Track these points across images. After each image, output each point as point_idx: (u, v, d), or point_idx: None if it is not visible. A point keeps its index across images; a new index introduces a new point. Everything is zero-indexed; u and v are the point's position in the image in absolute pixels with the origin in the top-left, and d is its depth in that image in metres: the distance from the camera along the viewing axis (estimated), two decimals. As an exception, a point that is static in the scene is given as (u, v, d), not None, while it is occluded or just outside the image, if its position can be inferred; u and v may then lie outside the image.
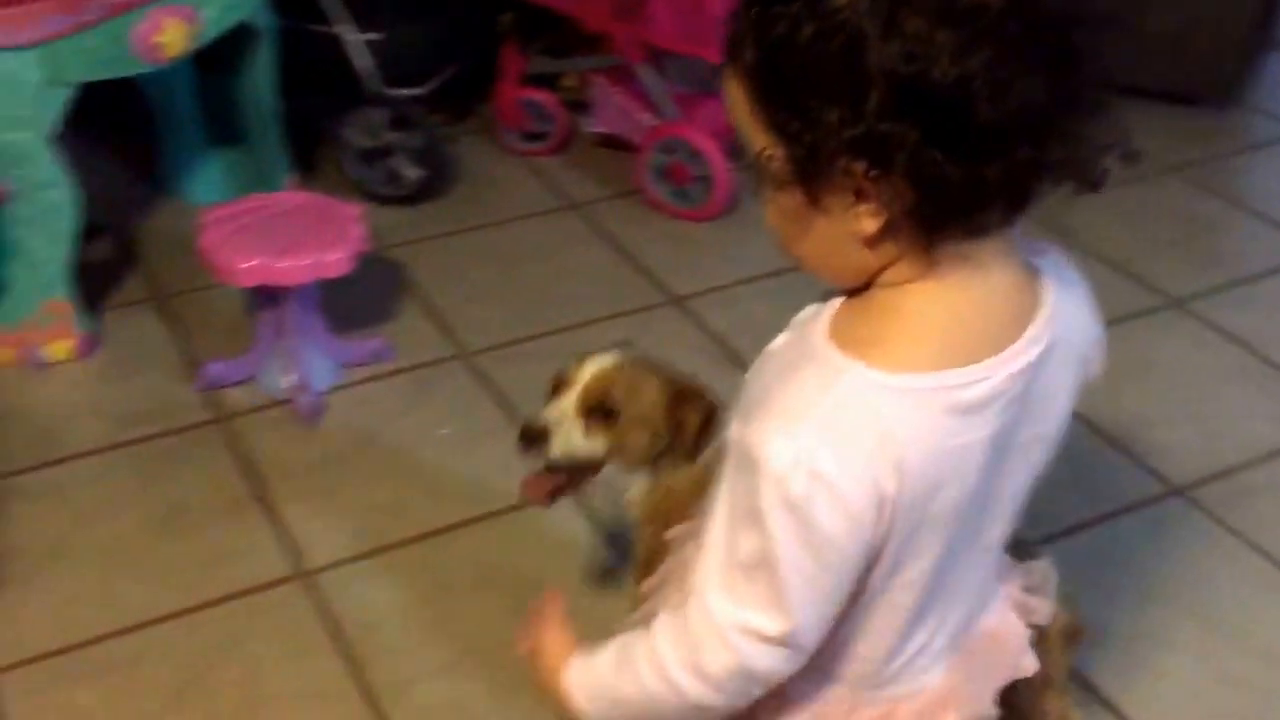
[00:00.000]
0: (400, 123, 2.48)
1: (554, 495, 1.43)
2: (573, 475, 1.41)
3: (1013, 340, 0.84)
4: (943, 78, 0.73)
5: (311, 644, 1.66)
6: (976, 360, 0.82)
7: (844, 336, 0.83)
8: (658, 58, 2.50)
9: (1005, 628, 1.02)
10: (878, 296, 0.84)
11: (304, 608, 1.71)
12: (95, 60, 1.97)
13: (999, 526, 0.94)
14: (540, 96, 2.68)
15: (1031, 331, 0.85)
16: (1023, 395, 0.85)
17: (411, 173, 2.51)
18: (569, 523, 1.82)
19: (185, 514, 1.84)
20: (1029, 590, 1.09)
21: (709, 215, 2.52)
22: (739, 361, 2.15)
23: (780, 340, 0.90)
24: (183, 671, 1.61)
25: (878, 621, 0.91)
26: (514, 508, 1.84)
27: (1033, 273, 0.88)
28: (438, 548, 1.81)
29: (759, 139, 0.80)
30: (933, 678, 0.97)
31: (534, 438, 1.38)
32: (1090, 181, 0.81)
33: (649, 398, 1.39)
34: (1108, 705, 1.59)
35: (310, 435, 1.99)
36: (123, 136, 2.58)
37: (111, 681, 1.59)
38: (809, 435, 0.80)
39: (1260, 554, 1.81)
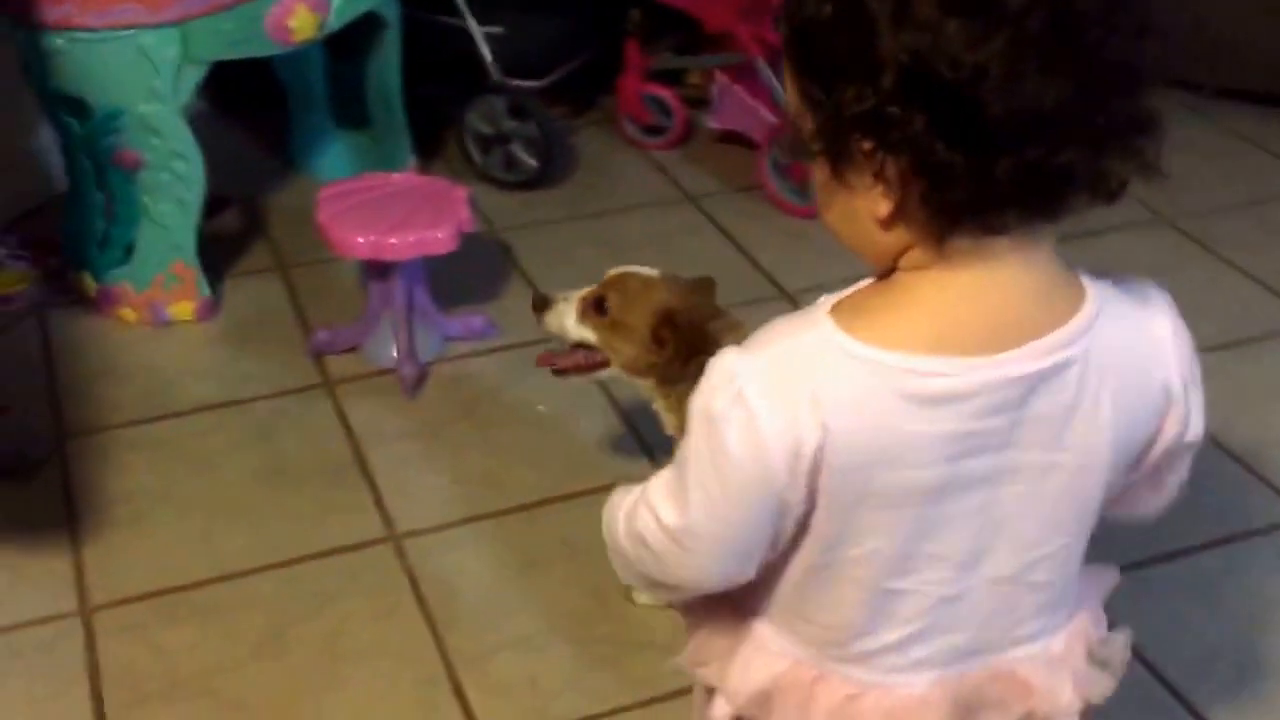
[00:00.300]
0: (518, 112, 2.53)
1: (562, 370, 1.66)
2: (583, 361, 1.63)
3: (1011, 347, 0.82)
4: (950, 68, 0.72)
5: (397, 606, 1.70)
6: (961, 355, 0.81)
7: (843, 303, 0.85)
8: (778, 55, 2.50)
9: (1035, 679, 0.96)
10: (891, 278, 0.84)
11: (393, 570, 1.75)
12: (229, 40, 2.06)
13: (1013, 557, 0.90)
14: (662, 91, 2.71)
15: (1040, 345, 0.82)
16: (1017, 408, 0.83)
17: (528, 159, 2.56)
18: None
19: (288, 472, 1.90)
20: (1095, 660, 1.00)
21: (822, 213, 2.50)
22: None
23: None
24: (272, 621, 1.67)
25: (836, 593, 0.91)
26: (606, 487, 1.85)
27: (1075, 288, 0.85)
28: (528, 521, 1.84)
29: (795, 107, 0.82)
30: (910, 683, 0.94)
31: (537, 304, 1.65)
32: (1108, 192, 0.79)
33: (640, 310, 1.55)
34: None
35: (411, 404, 2.04)
36: (258, 115, 2.69)
37: (201, 625, 1.65)
38: (752, 364, 0.84)
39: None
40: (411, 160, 2.50)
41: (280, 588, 1.72)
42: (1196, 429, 0.92)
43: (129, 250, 2.17)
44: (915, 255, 0.82)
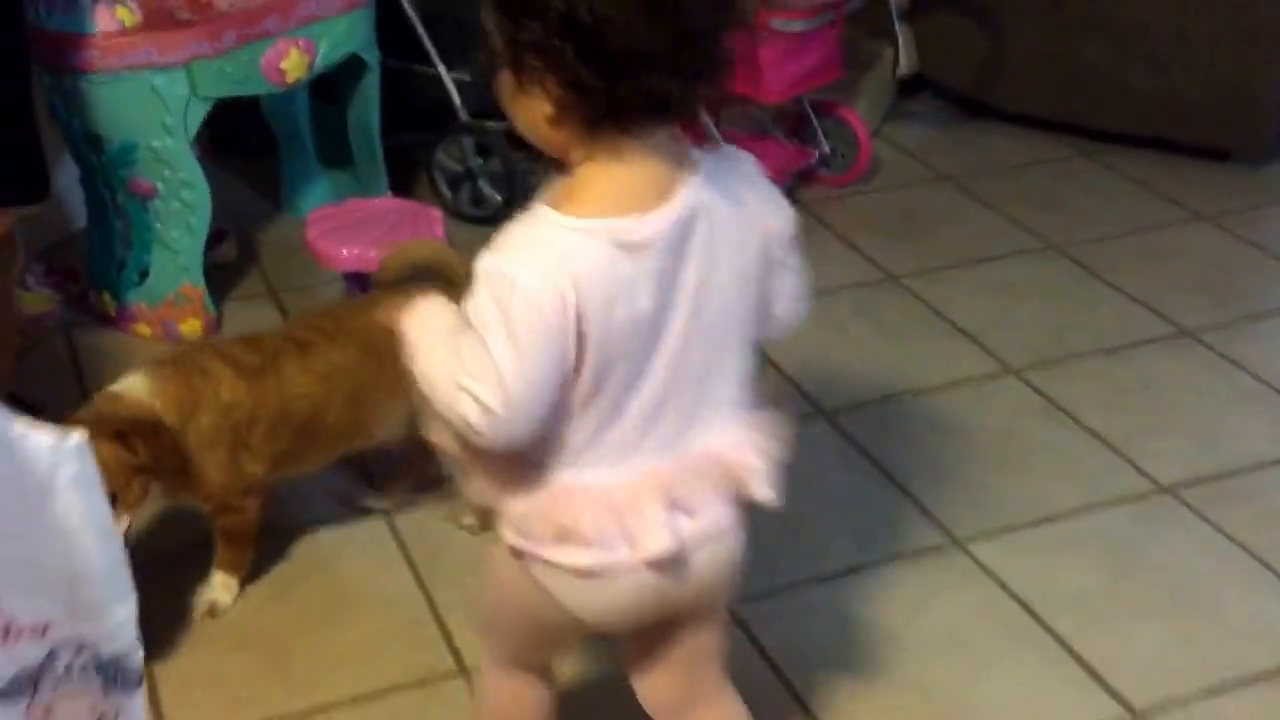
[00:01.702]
0: (484, 150, 2.82)
1: None
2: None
3: (664, 203, 1.13)
4: (587, 14, 1.05)
5: (388, 564, 1.96)
6: (640, 213, 1.12)
7: (548, 198, 1.15)
8: (712, 100, 2.80)
9: (731, 454, 1.25)
10: (573, 172, 1.16)
11: (383, 538, 2.01)
12: (231, 80, 2.33)
13: (694, 362, 1.19)
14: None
15: (680, 197, 1.14)
16: (680, 245, 1.14)
17: (494, 194, 2.84)
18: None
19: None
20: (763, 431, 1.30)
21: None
22: (773, 366, 2.43)
23: None
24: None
25: (591, 415, 1.17)
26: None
27: (688, 157, 1.17)
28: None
29: (491, 31, 1.14)
30: (645, 467, 1.20)
31: None
32: (694, 110, 1.13)
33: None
34: (1080, 661, 1.82)
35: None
36: (252, 160, 2.96)
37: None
38: (509, 255, 1.12)
39: (1238, 546, 2.02)
40: (388, 195, 2.77)
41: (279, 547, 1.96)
42: (789, 215, 1.24)
43: (144, 274, 2.43)
44: (580, 152, 1.13)
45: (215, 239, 2.63)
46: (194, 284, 2.43)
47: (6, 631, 0.63)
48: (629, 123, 1.10)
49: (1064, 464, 2.20)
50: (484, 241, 2.65)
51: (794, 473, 2.11)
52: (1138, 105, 3.17)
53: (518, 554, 1.24)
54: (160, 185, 2.33)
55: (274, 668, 1.78)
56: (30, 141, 2.23)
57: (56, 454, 0.60)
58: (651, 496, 1.19)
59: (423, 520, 2.04)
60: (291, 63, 2.39)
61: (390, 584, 1.93)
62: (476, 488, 1.26)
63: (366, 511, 2.04)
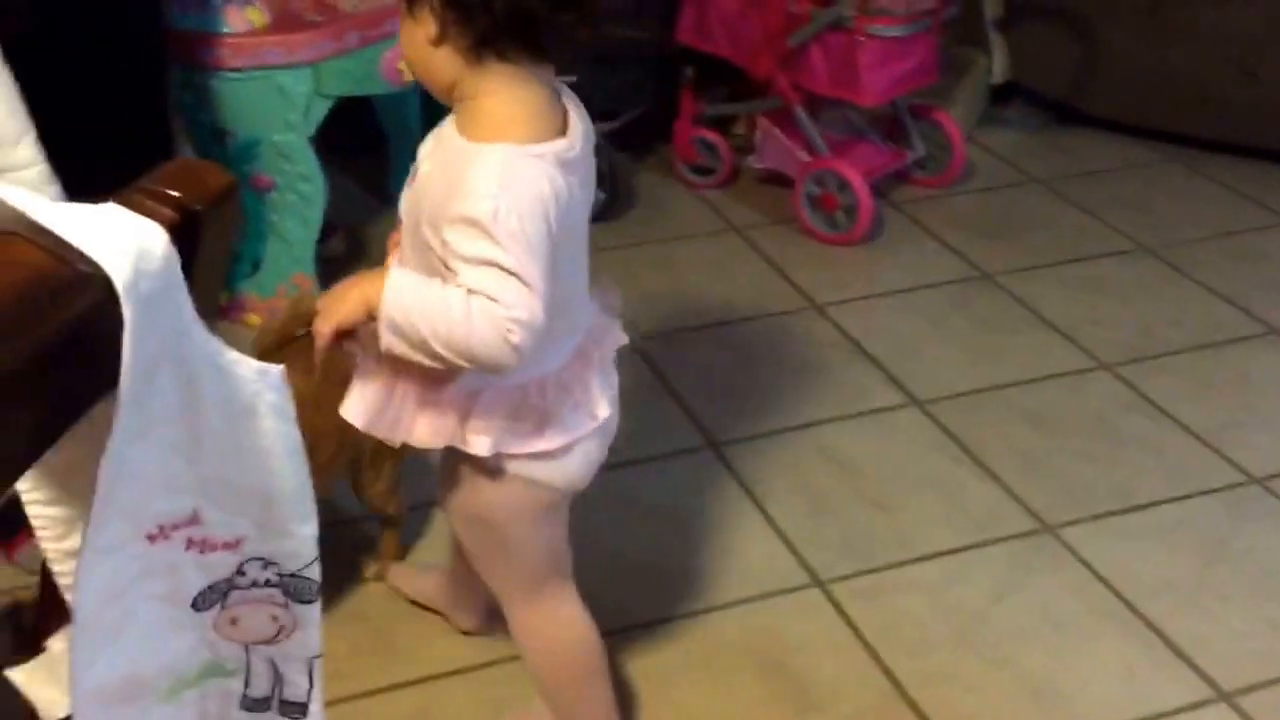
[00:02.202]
0: (590, 150, 2.91)
1: None
2: None
3: (569, 126, 1.31)
4: None
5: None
6: (559, 135, 1.29)
7: (478, 135, 1.27)
8: (814, 102, 2.88)
9: (604, 321, 1.48)
10: (469, 109, 1.29)
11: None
12: (352, 79, 2.44)
13: (585, 255, 1.42)
14: (712, 136, 3.09)
15: (573, 122, 1.32)
16: (585, 160, 1.33)
17: (597, 193, 2.93)
18: (709, 474, 2.19)
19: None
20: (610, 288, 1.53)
21: (853, 240, 2.87)
22: (869, 358, 2.49)
23: (426, 169, 1.34)
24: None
25: (561, 313, 1.31)
26: (658, 458, 2.22)
27: (557, 90, 1.33)
28: (595, 483, 2.17)
29: None
30: (570, 348, 1.40)
31: None
32: (566, 37, 1.26)
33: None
34: (1169, 644, 1.86)
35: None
36: (362, 157, 3.08)
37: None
38: (500, 195, 1.23)
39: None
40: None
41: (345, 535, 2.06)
42: None
43: (256, 265, 2.55)
44: (464, 86, 1.27)
45: (325, 233, 2.75)
46: (306, 275, 2.54)
47: (204, 544, 0.70)
48: (505, 48, 1.23)
49: (1154, 455, 2.24)
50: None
51: (888, 457, 2.21)
52: (1227, 112, 3.18)
53: (497, 469, 1.40)
54: (279, 179, 2.45)
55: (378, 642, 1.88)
56: (162, 136, 2.36)
57: (261, 381, 0.68)
58: (588, 370, 1.41)
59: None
60: (406, 70, 2.50)
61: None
62: (443, 422, 1.37)
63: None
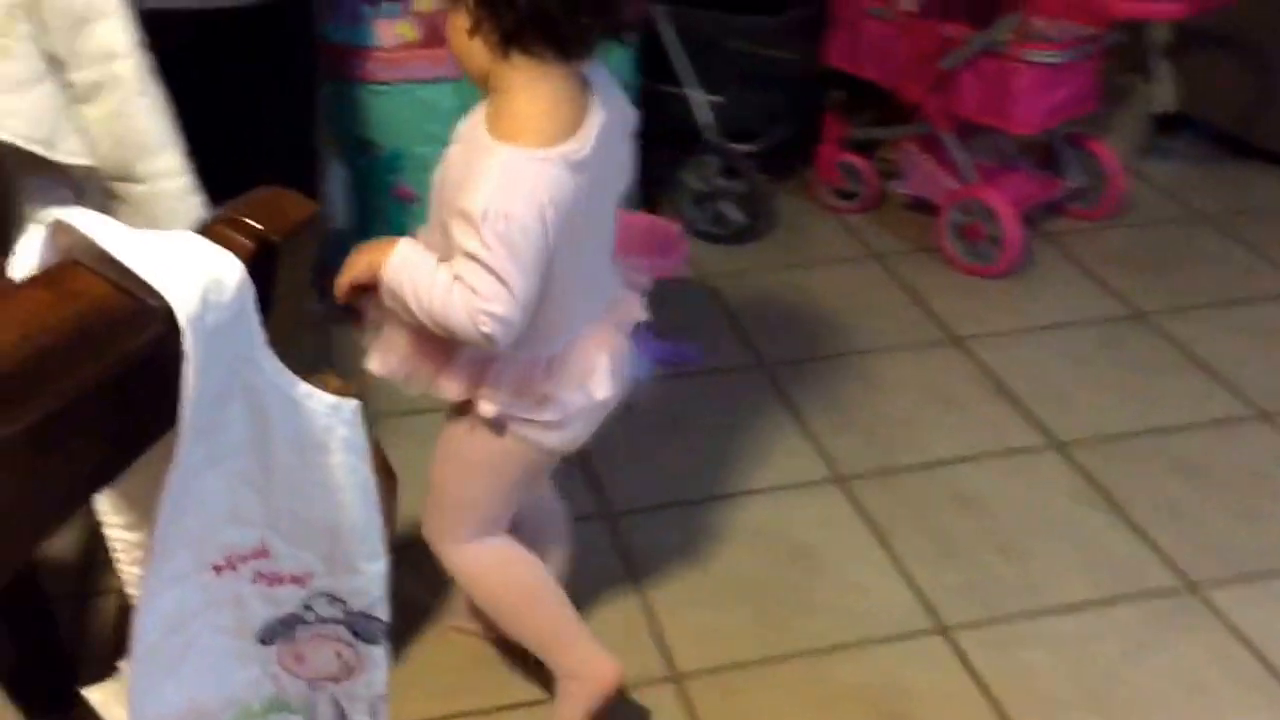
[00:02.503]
0: (730, 172, 2.88)
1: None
2: None
3: (584, 123, 1.39)
4: None
5: (607, 568, 2.01)
6: (569, 136, 1.37)
7: (500, 133, 1.37)
8: (963, 129, 2.80)
9: (626, 298, 1.59)
10: (496, 102, 1.39)
11: (604, 541, 2.07)
12: (493, 95, 2.46)
13: (607, 239, 1.54)
14: (856, 160, 3.03)
15: (593, 118, 1.39)
16: (602, 153, 1.40)
17: (735, 216, 2.91)
18: (832, 508, 2.13)
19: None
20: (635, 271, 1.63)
21: (998, 272, 2.78)
22: (1009, 396, 2.40)
23: (454, 150, 1.45)
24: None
25: (555, 302, 1.43)
26: (781, 488, 2.18)
27: (587, 83, 1.41)
28: (715, 508, 2.14)
29: None
30: (583, 334, 1.51)
31: None
32: (586, 41, 1.35)
33: None
34: None
35: (624, 412, 2.36)
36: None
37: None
38: (497, 196, 1.33)
39: None
40: (636, 209, 2.86)
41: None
42: (634, 117, 1.53)
43: (394, 273, 2.58)
44: (495, 77, 1.37)
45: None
46: (448, 286, 2.56)
47: (271, 577, 0.70)
48: (529, 44, 1.33)
49: (1315, 515, 2.11)
50: (722, 259, 2.79)
51: (1022, 501, 2.13)
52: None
53: (500, 425, 1.52)
54: (420, 191, 2.46)
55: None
56: (310, 148, 2.40)
57: (334, 416, 0.67)
58: (600, 354, 1.51)
59: (640, 525, 2.11)
60: (551, 80, 2.50)
61: (604, 581, 2.00)
62: (456, 384, 1.50)
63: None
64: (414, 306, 1.39)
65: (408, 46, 2.37)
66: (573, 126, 1.38)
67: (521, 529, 1.70)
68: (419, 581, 1.88)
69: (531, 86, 1.36)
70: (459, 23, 1.36)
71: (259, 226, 0.61)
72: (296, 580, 0.68)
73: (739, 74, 2.87)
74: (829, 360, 2.53)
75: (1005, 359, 2.52)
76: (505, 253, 1.33)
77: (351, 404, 0.67)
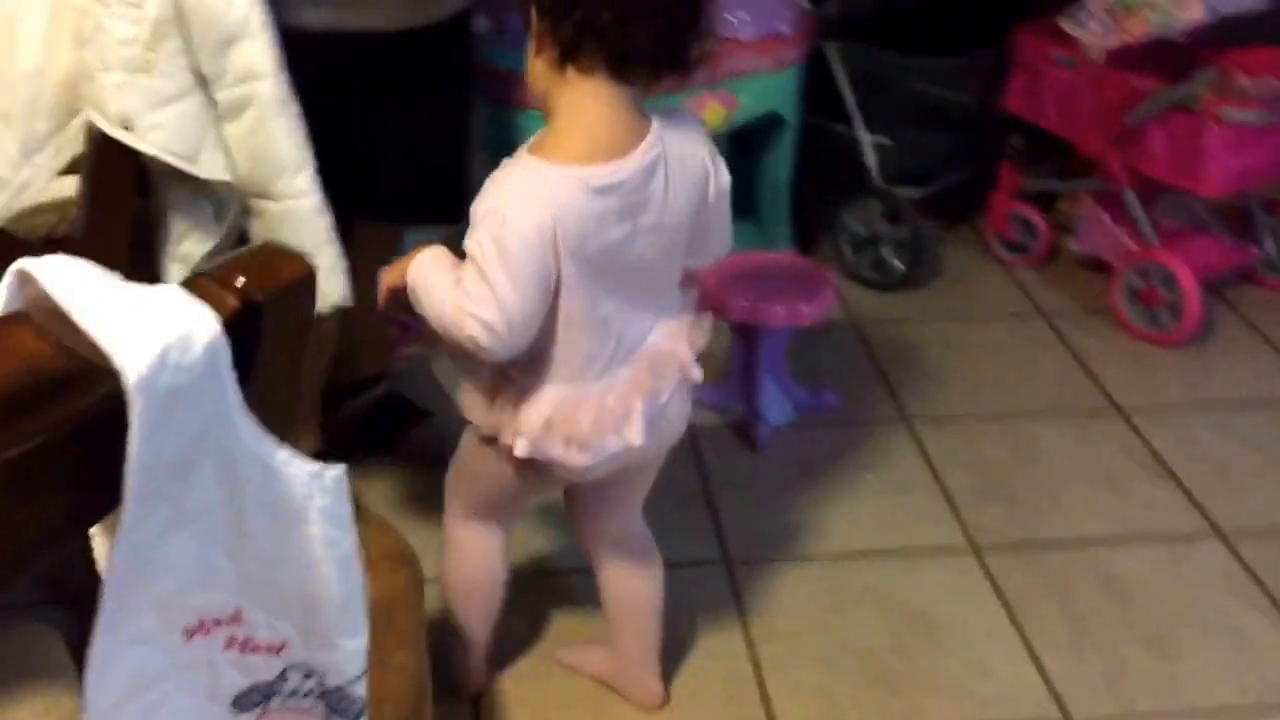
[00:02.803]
0: (893, 216, 2.78)
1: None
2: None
3: (628, 152, 1.37)
4: None
5: (720, 616, 1.95)
6: (608, 161, 1.35)
7: (533, 146, 1.39)
8: (1148, 187, 2.64)
9: (672, 346, 1.50)
10: (550, 123, 1.39)
11: (719, 589, 2.00)
12: (650, 124, 2.42)
13: (650, 280, 1.46)
14: (1030, 212, 2.89)
15: (641, 147, 1.37)
16: (643, 187, 1.37)
17: (895, 262, 2.81)
18: (964, 578, 2.02)
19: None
20: (695, 329, 1.56)
21: (1174, 341, 2.61)
22: (1171, 476, 2.25)
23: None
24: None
25: (577, 334, 1.42)
26: (914, 549, 2.08)
27: (645, 116, 1.39)
28: (839, 566, 2.05)
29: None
30: (622, 374, 1.47)
31: None
32: (632, 56, 1.34)
33: None
34: None
35: (756, 457, 2.30)
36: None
37: (538, 600, 1.96)
38: (503, 199, 1.35)
39: None
40: (790, 250, 2.79)
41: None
42: (724, 179, 1.50)
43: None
44: (549, 99, 1.38)
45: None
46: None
47: (245, 644, 0.67)
48: (584, 60, 1.33)
49: None
50: (878, 305, 2.68)
51: (1174, 591, 1.98)
52: None
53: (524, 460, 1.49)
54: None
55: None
56: (461, 170, 2.41)
57: (313, 484, 0.64)
58: (635, 398, 1.46)
59: (758, 576, 2.03)
60: (710, 114, 2.46)
61: (716, 635, 1.93)
62: (481, 411, 1.51)
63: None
64: (427, 306, 1.41)
65: (566, 72, 2.35)
66: (611, 153, 1.36)
67: (610, 554, 1.73)
68: (519, 613, 1.86)
69: (577, 105, 1.37)
70: (530, 46, 1.39)
71: (244, 283, 0.58)
72: (272, 649, 0.65)
73: (910, 115, 2.77)
74: (978, 421, 2.41)
75: (1172, 435, 2.36)
76: (496, 256, 1.33)
77: (334, 472, 0.64)
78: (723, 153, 2.77)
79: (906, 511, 2.17)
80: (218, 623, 0.63)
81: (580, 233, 1.35)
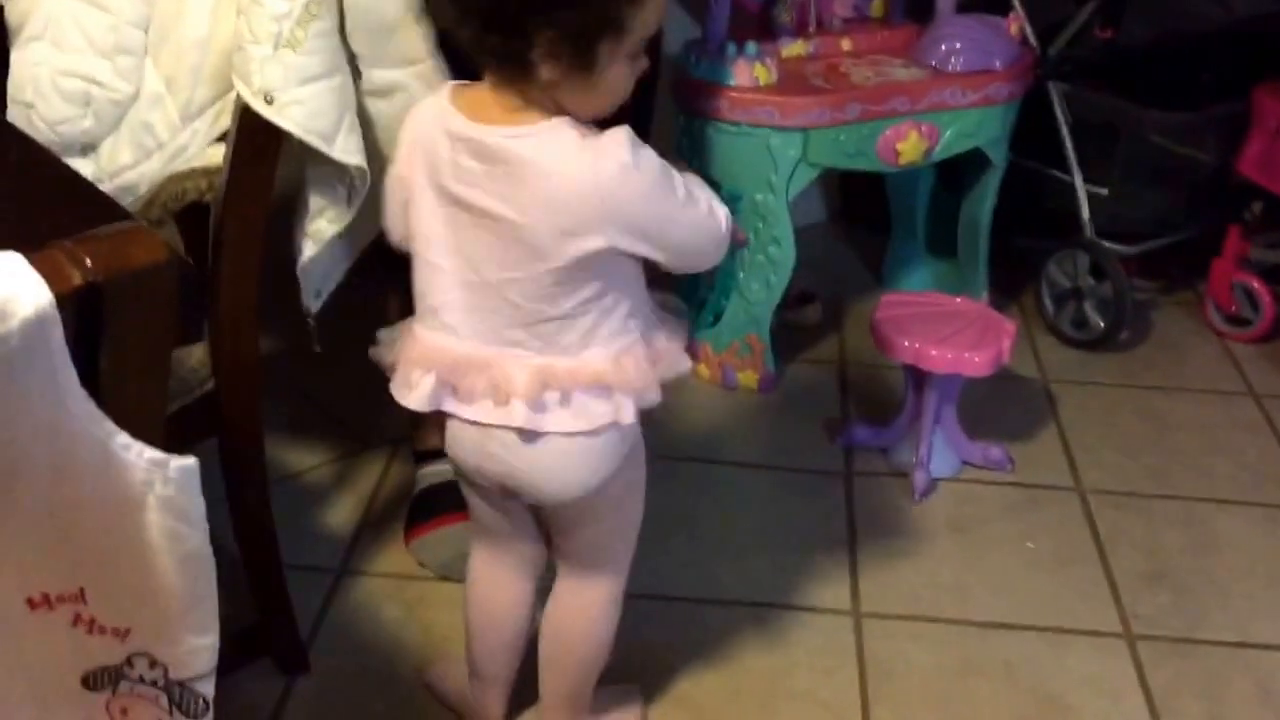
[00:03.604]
0: (1099, 272, 2.62)
1: None
2: None
3: (487, 124, 1.31)
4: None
5: (840, 668, 1.86)
6: (468, 119, 1.32)
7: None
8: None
9: (511, 374, 1.36)
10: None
11: (845, 640, 1.92)
12: (843, 152, 2.34)
13: (494, 271, 1.33)
14: (1255, 284, 2.67)
15: (499, 130, 1.30)
16: (488, 162, 1.30)
17: (1096, 320, 2.64)
18: (1109, 665, 1.87)
19: (787, 534, 2.12)
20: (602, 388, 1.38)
21: (1399, 441, 2.37)
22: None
23: None
24: (726, 646, 1.89)
25: (419, 273, 1.41)
26: (1060, 629, 1.93)
27: (543, 115, 1.30)
28: (979, 636, 1.93)
29: None
30: (443, 339, 1.40)
31: None
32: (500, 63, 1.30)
33: None
34: None
35: (913, 508, 2.20)
36: (872, 233, 2.98)
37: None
38: (638, 148, 1.31)
39: None
40: (985, 295, 2.66)
41: (745, 622, 1.94)
42: (597, 244, 1.30)
43: (717, 317, 2.53)
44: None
45: (802, 299, 2.68)
46: (760, 337, 2.47)
47: (91, 625, 0.66)
48: (477, 62, 1.33)
49: None
50: (1074, 364, 2.51)
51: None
52: None
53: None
54: (752, 237, 2.40)
55: None
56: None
57: (155, 472, 0.62)
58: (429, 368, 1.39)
59: (888, 633, 1.93)
60: (909, 145, 2.37)
61: (833, 691, 1.84)
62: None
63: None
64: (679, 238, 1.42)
65: (761, 90, 2.30)
66: (472, 115, 1.32)
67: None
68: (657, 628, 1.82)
69: (482, 84, 1.36)
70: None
71: (91, 263, 0.56)
72: (117, 634, 0.64)
73: (1135, 168, 2.60)
74: (1159, 500, 2.24)
75: (1375, 542, 2.14)
76: (680, 181, 1.35)
77: (181, 463, 0.61)
78: (927, 188, 2.74)
79: (1062, 586, 2.03)
80: (61, 599, 0.62)
81: (429, 161, 1.35)
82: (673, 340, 1.45)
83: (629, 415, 1.39)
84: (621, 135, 1.30)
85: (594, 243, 1.29)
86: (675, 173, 1.35)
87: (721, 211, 1.39)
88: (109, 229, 0.60)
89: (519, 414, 1.35)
